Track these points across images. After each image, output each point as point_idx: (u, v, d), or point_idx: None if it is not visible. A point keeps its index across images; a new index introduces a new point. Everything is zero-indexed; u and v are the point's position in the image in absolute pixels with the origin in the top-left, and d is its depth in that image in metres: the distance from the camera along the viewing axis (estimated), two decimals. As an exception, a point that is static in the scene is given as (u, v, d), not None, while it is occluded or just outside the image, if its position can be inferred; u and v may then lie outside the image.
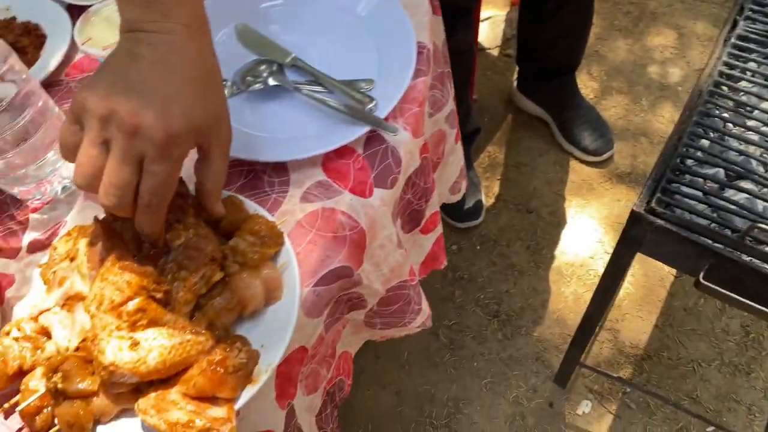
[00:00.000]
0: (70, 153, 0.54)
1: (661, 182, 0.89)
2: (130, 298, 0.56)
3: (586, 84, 1.95)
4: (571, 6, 1.55)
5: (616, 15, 2.09)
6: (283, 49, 0.83)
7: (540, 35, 1.65)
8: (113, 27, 0.88)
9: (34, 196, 0.73)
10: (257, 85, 0.80)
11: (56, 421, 0.58)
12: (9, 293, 0.68)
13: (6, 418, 0.62)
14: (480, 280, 1.65)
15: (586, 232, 1.70)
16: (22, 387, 0.59)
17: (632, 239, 0.91)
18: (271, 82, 0.79)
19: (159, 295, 0.57)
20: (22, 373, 0.60)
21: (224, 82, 0.80)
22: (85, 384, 0.58)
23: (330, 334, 0.75)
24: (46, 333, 0.62)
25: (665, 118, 1.87)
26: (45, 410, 0.58)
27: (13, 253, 0.71)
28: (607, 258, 1.65)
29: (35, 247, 0.71)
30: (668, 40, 2.02)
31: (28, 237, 0.72)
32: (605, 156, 1.77)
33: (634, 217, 0.87)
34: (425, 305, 0.83)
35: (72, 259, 0.65)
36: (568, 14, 1.56)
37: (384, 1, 0.84)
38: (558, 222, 1.72)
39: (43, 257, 0.68)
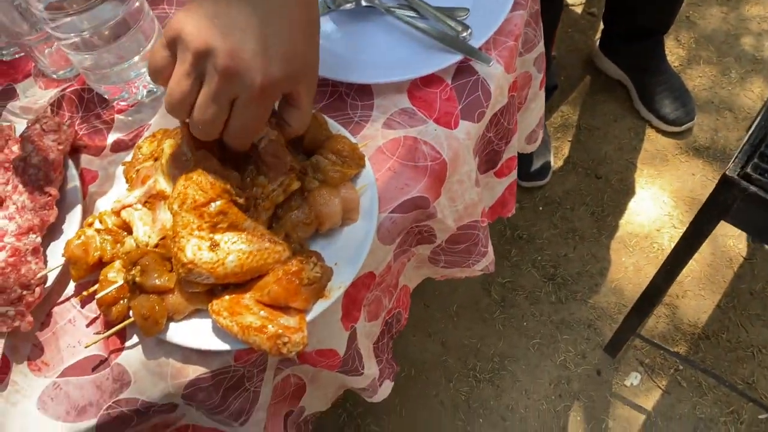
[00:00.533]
0: (158, 76, 0.53)
1: (759, 147, 0.83)
2: (212, 200, 0.56)
3: (672, 51, 1.85)
4: None
5: (713, -21, 1.96)
6: (375, -29, 0.80)
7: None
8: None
9: (121, 96, 0.74)
10: (348, 5, 0.77)
11: (131, 313, 0.59)
12: (92, 188, 0.70)
13: (83, 306, 0.64)
14: (539, 241, 1.62)
15: (655, 204, 1.64)
16: (101, 277, 0.60)
17: (719, 205, 0.86)
18: (363, 2, 0.77)
19: (241, 201, 0.57)
20: (101, 264, 0.62)
21: None
22: (161, 280, 0.59)
23: (396, 264, 0.74)
24: (127, 228, 0.63)
25: (754, 93, 1.76)
26: (121, 302, 0.60)
27: (97, 151, 0.72)
28: (675, 232, 1.59)
29: (119, 146, 0.72)
30: (767, 11, 1.90)
31: (113, 137, 0.73)
32: (685, 127, 1.69)
33: (725, 181, 0.82)
34: (491, 249, 0.81)
35: (156, 159, 0.65)
36: None
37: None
38: (626, 190, 1.66)
39: (127, 156, 0.69)
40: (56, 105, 0.76)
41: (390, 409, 1.44)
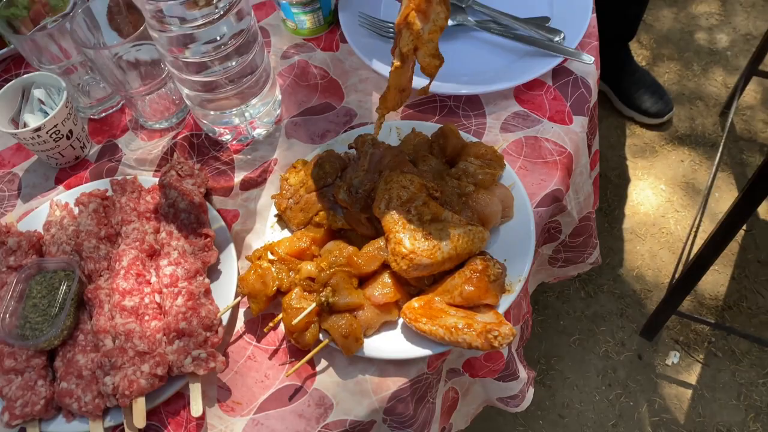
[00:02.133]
0: None
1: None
2: (415, 195, 0.58)
3: (637, 52, 2.00)
4: None
5: (658, -15, 2.14)
6: (455, -8, 0.85)
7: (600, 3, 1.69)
8: None
9: (239, 139, 0.75)
10: (435, 26, 0.82)
11: (321, 336, 0.60)
12: (236, 227, 0.70)
13: (258, 341, 0.64)
14: (557, 242, 1.69)
15: (655, 193, 1.74)
16: (284, 306, 0.61)
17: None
18: (451, 22, 0.82)
19: (437, 194, 0.60)
20: (278, 294, 0.62)
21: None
22: (352, 297, 0.60)
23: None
24: (297, 255, 0.64)
25: (718, 82, 1.92)
26: (312, 326, 0.60)
27: (226, 191, 0.73)
28: (678, 216, 1.70)
29: (248, 184, 0.73)
30: (712, 8, 2.08)
31: (239, 176, 0.74)
32: (666, 117, 1.81)
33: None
34: (597, 240, 0.86)
35: (305, 187, 0.67)
36: None
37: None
38: (626, 184, 1.76)
39: (258, 192, 0.70)
40: (169, 153, 0.76)
41: (452, 426, 1.45)
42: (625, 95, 1.85)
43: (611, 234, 1.69)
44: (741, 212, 1.05)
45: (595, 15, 0.82)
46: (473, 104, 0.77)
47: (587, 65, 0.77)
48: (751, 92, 1.86)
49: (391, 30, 0.81)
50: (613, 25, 1.75)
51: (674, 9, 2.08)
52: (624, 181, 1.77)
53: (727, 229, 1.10)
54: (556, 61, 0.76)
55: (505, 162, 0.69)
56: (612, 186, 1.77)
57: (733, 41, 1.99)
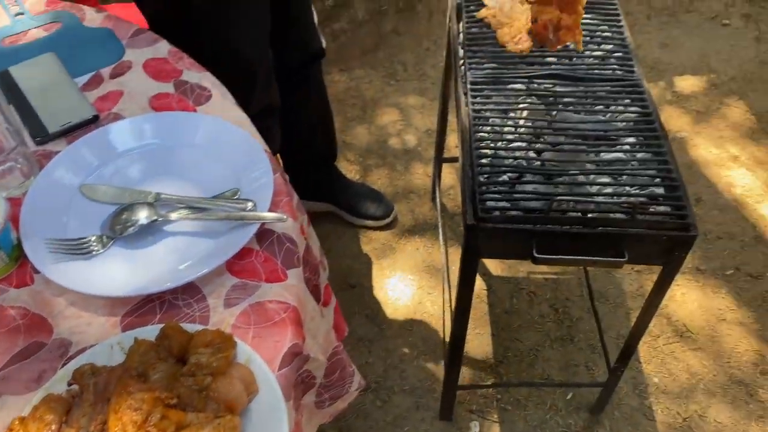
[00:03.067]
0: None
1: (474, 199, 1.10)
2: (150, 412, 0.56)
3: (349, 168, 2.21)
4: (310, 98, 1.78)
5: (345, 109, 2.42)
6: (140, 190, 0.87)
7: (293, 134, 1.86)
8: None
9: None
10: (131, 229, 0.82)
11: None
12: None
13: None
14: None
15: (406, 284, 1.90)
16: None
17: (473, 249, 1.10)
18: (143, 221, 0.83)
19: (174, 401, 0.58)
20: None
21: (92, 238, 0.81)
22: None
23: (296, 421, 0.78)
24: None
25: (420, 174, 2.20)
26: None
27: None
28: (431, 298, 1.87)
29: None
30: (394, 117, 2.40)
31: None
32: (391, 216, 2.02)
33: (469, 229, 1.07)
34: (354, 366, 0.91)
35: None
36: (310, 108, 1.79)
37: (213, 123, 0.94)
38: (382, 286, 1.90)
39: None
40: None
41: None
42: (350, 208, 2.02)
43: (383, 336, 1.79)
44: (465, 280, 1.19)
45: (279, 174, 0.90)
46: (191, 291, 0.78)
47: (287, 220, 0.84)
48: (447, 174, 2.16)
49: (84, 246, 0.80)
50: (314, 153, 1.93)
51: (365, 125, 2.37)
52: (378, 284, 1.90)
53: (462, 298, 1.24)
54: (255, 227, 0.81)
55: (236, 339, 0.70)
56: (368, 293, 1.89)
57: (420, 138, 2.32)
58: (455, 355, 1.37)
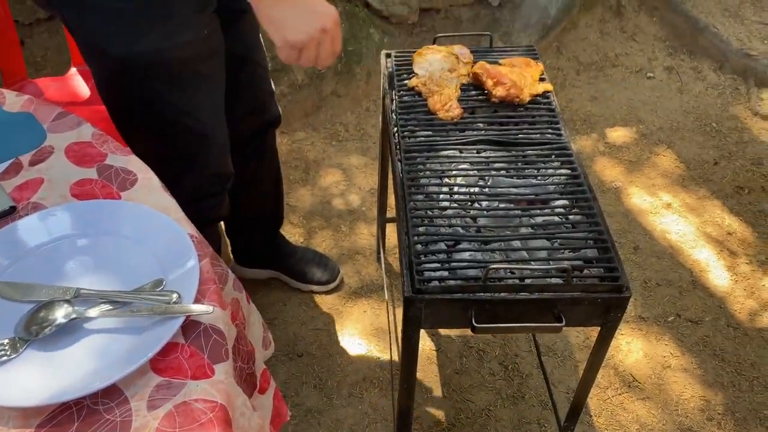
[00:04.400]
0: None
1: (411, 269, 1.10)
2: None
3: (293, 232, 2.19)
4: (262, 167, 1.76)
5: (288, 171, 2.41)
6: (58, 286, 0.83)
7: (242, 202, 1.84)
8: None
9: None
10: (47, 330, 0.78)
11: None
12: None
13: None
14: (287, 436, 1.67)
15: (355, 349, 1.87)
16: None
17: (413, 320, 1.09)
18: (61, 320, 0.79)
19: None
20: None
21: (4, 342, 0.76)
22: None
23: None
24: None
25: (365, 234, 2.19)
26: None
27: None
28: (382, 360, 1.83)
29: None
30: (337, 177, 2.41)
31: None
32: (338, 280, 2.00)
33: (408, 301, 1.06)
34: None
35: None
36: (262, 176, 1.77)
37: (136, 210, 0.92)
38: (330, 353, 1.86)
39: None
40: None
41: None
42: (296, 274, 1.99)
43: (332, 405, 1.74)
44: (407, 352, 1.18)
45: (207, 259, 0.88)
46: (112, 394, 0.74)
47: (215, 311, 0.81)
48: (393, 233, 2.16)
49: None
50: (261, 222, 1.90)
51: (308, 187, 2.36)
52: (327, 351, 1.87)
53: (406, 370, 1.22)
54: (180, 321, 0.78)
55: (158, 447, 0.66)
56: (316, 360, 1.84)
57: (363, 198, 2.33)
58: (404, 424, 1.34)
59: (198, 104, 1.31)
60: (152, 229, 0.89)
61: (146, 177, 1.00)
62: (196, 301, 0.82)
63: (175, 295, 0.80)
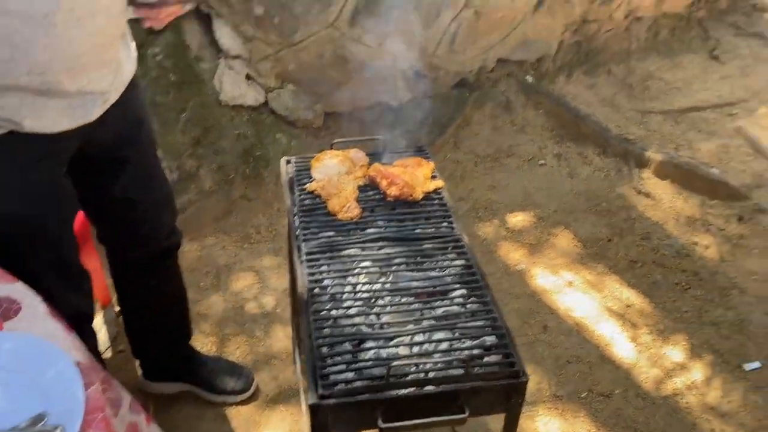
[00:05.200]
0: None
1: (315, 374, 1.09)
2: None
3: (205, 341, 2.13)
4: (162, 288, 1.74)
5: (198, 279, 2.37)
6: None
7: (144, 322, 1.79)
8: None
9: None
10: None
11: None
12: None
13: None
14: None
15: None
16: None
17: (321, 428, 1.07)
18: (-71, 469, 0.73)
19: None
20: None
21: None
22: None
23: None
24: None
25: (282, 335, 2.16)
26: None
27: None
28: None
29: None
30: (249, 280, 2.39)
31: None
32: (252, 389, 1.94)
33: (314, 409, 1.05)
34: None
35: None
36: (162, 297, 1.75)
37: (19, 340, 0.88)
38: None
39: None
40: None
41: None
42: (207, 386, 1.93)
43: None
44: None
45: (95, 386, 0.84)
46: None
47: (101, 441, 0.78)
48: (308, 335, 2.14)
49: None
50: (166, 337, 1.85)
51: (219, 293, 2.33)
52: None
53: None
54: (63, 456, 0.74)
55: None
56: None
57: (278, 299, 2.31)
58: None
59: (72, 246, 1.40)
60: (36, 358, 0.86)
61: (32, 304, 0.97)
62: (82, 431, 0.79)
63: (58, 429, 0.77)
